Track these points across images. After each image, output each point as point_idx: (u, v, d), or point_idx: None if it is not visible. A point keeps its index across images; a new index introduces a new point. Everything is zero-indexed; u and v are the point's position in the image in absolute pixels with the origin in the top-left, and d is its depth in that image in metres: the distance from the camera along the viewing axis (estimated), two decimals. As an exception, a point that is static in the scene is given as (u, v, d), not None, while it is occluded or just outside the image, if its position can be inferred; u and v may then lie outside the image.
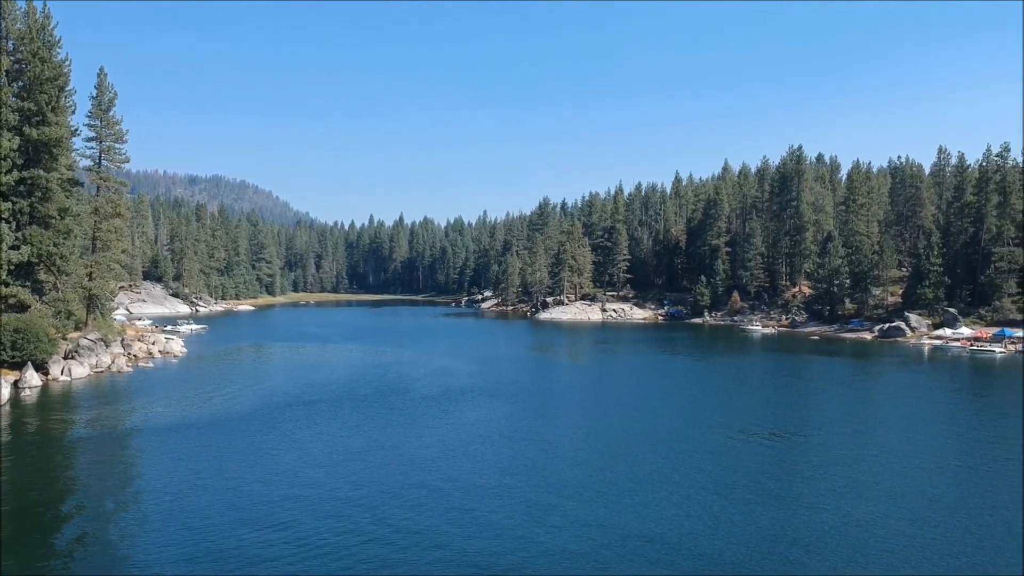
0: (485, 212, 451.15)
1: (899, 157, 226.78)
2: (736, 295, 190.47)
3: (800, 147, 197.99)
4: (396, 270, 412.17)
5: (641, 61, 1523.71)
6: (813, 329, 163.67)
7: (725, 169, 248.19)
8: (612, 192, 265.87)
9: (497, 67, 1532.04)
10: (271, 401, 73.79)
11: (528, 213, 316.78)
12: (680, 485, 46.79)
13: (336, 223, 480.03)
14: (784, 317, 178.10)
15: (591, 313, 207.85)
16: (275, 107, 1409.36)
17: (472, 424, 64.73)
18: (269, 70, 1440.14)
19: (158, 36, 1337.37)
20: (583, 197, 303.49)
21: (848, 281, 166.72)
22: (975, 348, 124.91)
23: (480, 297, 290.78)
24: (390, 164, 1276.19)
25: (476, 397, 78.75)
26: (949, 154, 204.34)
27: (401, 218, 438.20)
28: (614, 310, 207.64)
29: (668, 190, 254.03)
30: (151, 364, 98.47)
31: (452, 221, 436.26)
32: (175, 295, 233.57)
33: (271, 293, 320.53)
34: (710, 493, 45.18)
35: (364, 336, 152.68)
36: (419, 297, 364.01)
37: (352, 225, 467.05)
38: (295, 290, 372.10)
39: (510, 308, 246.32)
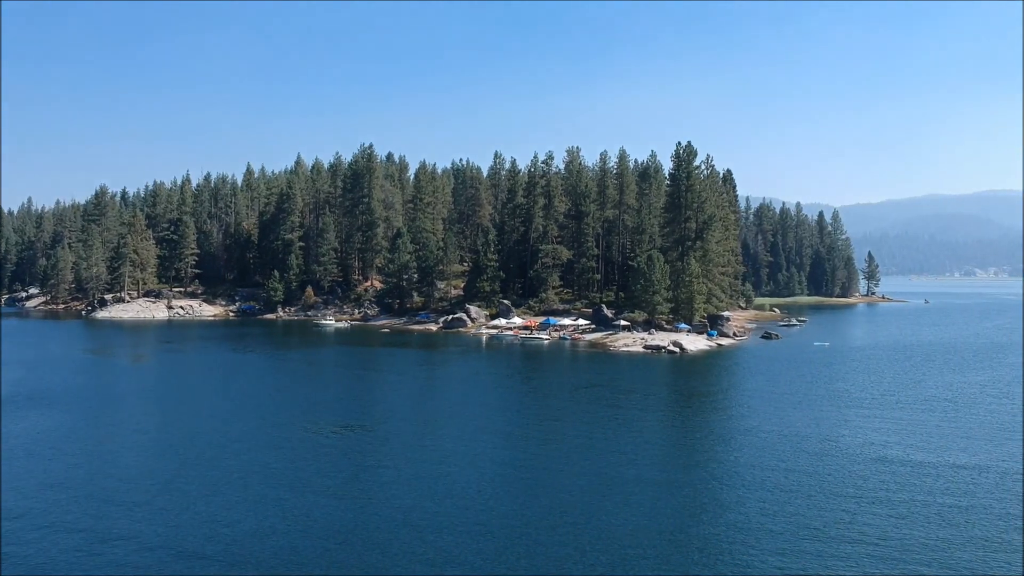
0: (30, 199, 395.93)
1: (461, 160, 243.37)
2: (310, 290, 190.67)
3: (371, 145, 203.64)
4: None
5: (212, 48, 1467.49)
6: (384, 322, 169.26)
7: (298, 164, 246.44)
8: (179, 182, 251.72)
9: (53, 55, 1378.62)
10: None
11: (83, 202, 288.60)
12: (252, 485, 45.48)
13: None
14: (357, 311, 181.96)
15: (156, 311, 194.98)
16: None
17: (14, 437, 57.17)
18: None
19: None
20: (147, 186, 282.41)
21: (416, 275, 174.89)
22: (525, 336, 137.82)
23: (24, 295, 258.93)
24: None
25: (19, 407, 69.74)
26: (503, 159, 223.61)
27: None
28: (181, 307, 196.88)
29: (240, 182, 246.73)
30: None
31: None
32: None
33: None
34: (283, 491, 44.51)
35: None
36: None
37: None
38: None
39: (62, 307, 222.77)
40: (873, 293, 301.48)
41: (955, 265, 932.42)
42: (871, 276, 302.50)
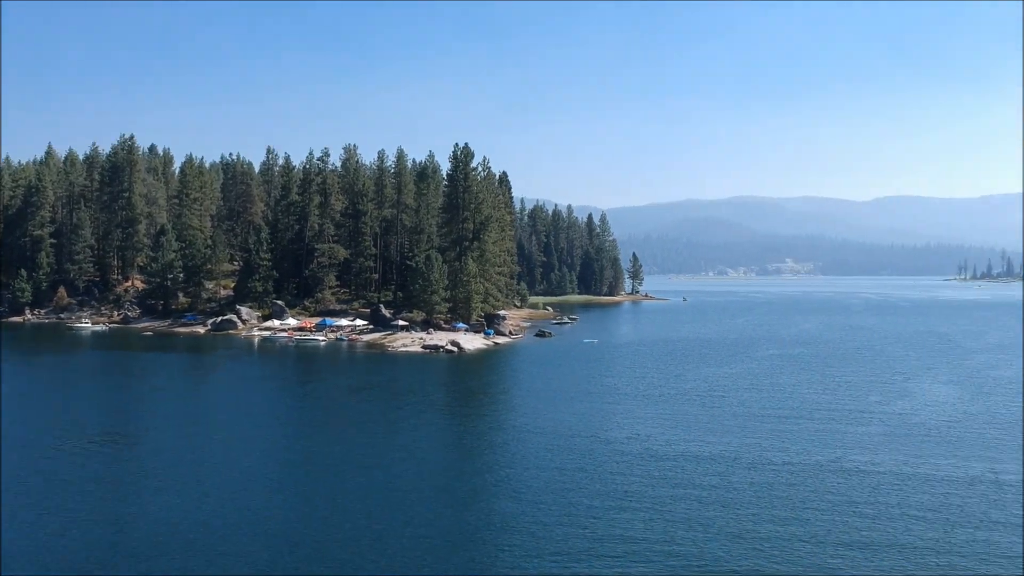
0: None
1: (231, 154, 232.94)
2: (63, 290, 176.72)
3: (132, 136, 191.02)
4: None
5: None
6: (147, 324, 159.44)
7: (49, 154, 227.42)
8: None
9: None
10: None
11: None
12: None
13: None
14: (116, 313, 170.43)
15: None
16: None
17: None
18: None
19: None
20: None
21: (182, 275, 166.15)
22: (300, 338, 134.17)
23: None
24: None
25: None
26: (277, 155, 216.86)
27: None
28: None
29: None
30: None
31: None
32: None
33: None
34: (30, 512, 40.71)
35: None
36: None
37: None
38: None
39: None
40: (637, 292, 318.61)
41: (709, 265, 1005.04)
42: (635, 275, 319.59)
